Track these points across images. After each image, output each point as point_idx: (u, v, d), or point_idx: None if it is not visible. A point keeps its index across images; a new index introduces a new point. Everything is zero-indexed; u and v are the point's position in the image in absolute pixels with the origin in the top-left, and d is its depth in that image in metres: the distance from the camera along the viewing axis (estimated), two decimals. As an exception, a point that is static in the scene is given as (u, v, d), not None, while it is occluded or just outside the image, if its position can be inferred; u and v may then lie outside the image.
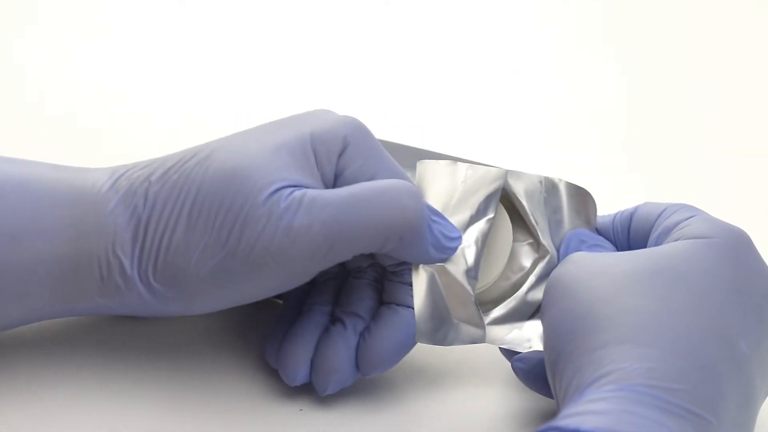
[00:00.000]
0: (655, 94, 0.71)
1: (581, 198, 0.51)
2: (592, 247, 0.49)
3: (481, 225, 0.49)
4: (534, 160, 0.65)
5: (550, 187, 0.51)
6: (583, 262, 0.45)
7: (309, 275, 0.46)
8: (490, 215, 0.49)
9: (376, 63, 0.74)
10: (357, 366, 0.48)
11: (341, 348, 0.48)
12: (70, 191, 0.47)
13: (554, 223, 0.50)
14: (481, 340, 0.48)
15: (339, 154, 0.47)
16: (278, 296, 0.51)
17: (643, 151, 0.66)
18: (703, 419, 0.38)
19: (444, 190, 0.50)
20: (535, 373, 0.47)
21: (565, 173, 0.64)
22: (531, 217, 0.50)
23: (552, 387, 0.43)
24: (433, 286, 0.48)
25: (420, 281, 0.48)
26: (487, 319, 0.49)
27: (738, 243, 0.44)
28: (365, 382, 0.49)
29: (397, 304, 0.49)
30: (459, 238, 0.48)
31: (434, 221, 0.47)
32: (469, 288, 0.48)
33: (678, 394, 0.38)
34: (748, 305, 0.42)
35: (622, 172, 0.65)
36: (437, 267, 0.48)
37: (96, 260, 0.46)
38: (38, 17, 0.76)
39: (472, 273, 0.48)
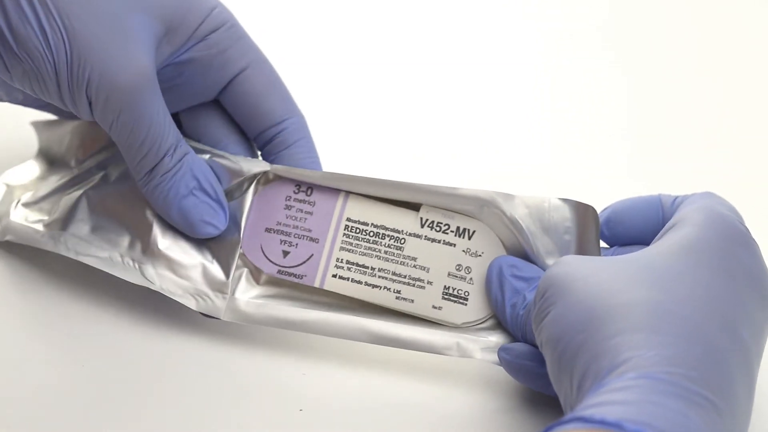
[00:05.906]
0: (655, 95, 0.71)
1: (587, 215, 0.50)
2: (524, 279, 0.50)
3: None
4: (532, 161, 0.65)
5: (555, 208, 0.50)
6: (578, 264, 0.45)
7: None
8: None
9: (376, 63, 0.74)
10: None
11: None
12: None
13: (563, 245, 0.50)
14: None
15: None
16: None
17: (643, 151, 0.66)
18: (718, 407, 0.39)
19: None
20: (517, 363, 0.48)
21: (563, 174, 0.64)
22: (532, 245, 0.50)
23: (556, 380, 0.43)
24: None
25: None
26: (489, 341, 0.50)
27: (730, 233, 0.45)
28: (365, 381, 0.49)
29: None
30: None
31: None
32: None
33: (695, 381, 0.39)
34: (745, 295, 0.43)
35: (621, 174, 0.65)
36: None
37: None
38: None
39: None
